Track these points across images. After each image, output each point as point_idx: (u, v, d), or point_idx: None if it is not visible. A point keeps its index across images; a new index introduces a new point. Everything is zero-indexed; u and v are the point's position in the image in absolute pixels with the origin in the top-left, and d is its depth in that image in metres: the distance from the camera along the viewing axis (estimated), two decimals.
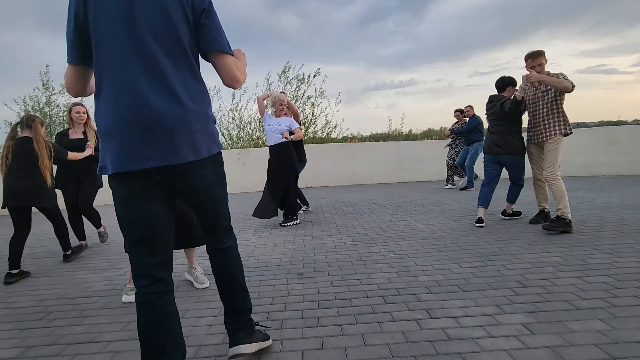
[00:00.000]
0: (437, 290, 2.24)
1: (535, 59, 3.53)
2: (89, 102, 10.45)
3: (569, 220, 3.34)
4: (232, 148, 9.77)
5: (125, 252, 1.59)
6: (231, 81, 1.32)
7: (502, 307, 1.96)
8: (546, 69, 3.57)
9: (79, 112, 3.66)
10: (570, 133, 3.50)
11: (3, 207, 3.08)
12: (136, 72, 1.16)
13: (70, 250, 3.45)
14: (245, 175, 8.35)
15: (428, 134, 15.03)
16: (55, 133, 3.91)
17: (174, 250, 1.43)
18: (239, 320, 1.52)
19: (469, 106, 6.90)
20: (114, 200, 1.28)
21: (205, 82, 1.35)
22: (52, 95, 10.45)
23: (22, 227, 3.08)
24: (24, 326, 2.05)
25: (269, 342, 1.66)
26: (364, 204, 5.68)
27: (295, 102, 10.28)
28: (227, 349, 1.68)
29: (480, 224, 3.76)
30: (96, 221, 3.91)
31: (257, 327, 1.64)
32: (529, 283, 2.27)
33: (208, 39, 1.25)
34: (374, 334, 1.75)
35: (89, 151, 3.54)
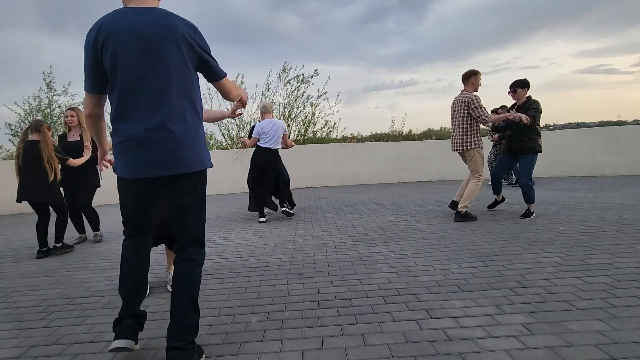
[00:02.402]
0: (437, 290, 2.25)
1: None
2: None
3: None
4: (231, 148, 9.78)
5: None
6: None
7: (502, 308, 1.96)
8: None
9: (67, 116, 4.02)
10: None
11: (18, 202, 3.58)
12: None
13: (61, 244, 3.74)
14: (245, 175, 8.35)
15: (428, 134, 15.05)
16: (58, 136, 4.23)
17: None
18: (180, 338, 1.50)
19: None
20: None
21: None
22: (54, 96, 10.46)
23: (42, 214, 3.66)
24: (26, 326, 2.06)
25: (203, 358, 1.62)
26: (364, 204, 5.68)
27: (295, 101, 10.29)
28: (228, 349, 1.69)
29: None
30: (95, 223, 4.21)
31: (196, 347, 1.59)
32: (528, 283, 2.27)
33: None
34: (374, 334, 1.76)
35: (87, 154, 3.83)
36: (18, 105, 10.31)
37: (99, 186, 4.21)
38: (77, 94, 10.79)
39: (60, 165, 3.64)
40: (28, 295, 2.56)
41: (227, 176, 8.29)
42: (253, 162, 4.76)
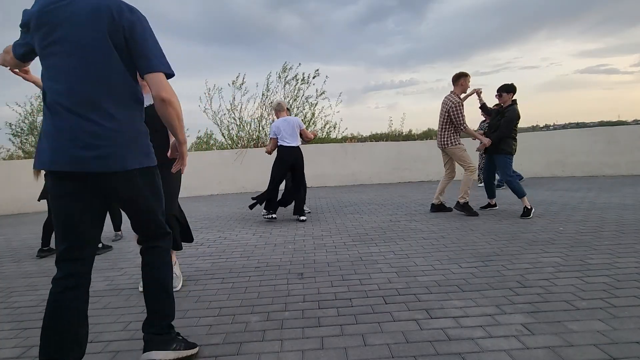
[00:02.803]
0: (437, 290, 2.25)
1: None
2: None
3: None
4: (232, 148, 9.78)
5: None
6: None
7: (502, 307, 1.96)
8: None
9: None
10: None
11: (39, 200, 3.73)
12: None
13: (101, 244, 3.63)
14: (245, 175, 8.36)
15: (428, 134, 15.02)
16: None
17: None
18: (156, 324, 1.52)
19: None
20: None
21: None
22: None
23: None
24: (25, 326, 2.06)
25: (194, 351, 1.61)
26: (364, 204, 5.68)
27: (294, 101, 10.28)
28: (228, 349, 1.69)
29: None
30: (117, 222, 4.22)
31: (179, 337, 1.60)
32: (528, 283, 2.27)
33: None
34: (374, 334, 1.76)
35: None
36: (19, 106, 10.33)
37: None
38: None
39: None
40: (28, 295, 2.56)
41: (227, 176, 8.29)
42: (279, 161, 4.63)
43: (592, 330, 1.69)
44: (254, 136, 10.08)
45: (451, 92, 4.48)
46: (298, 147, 4.64)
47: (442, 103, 4.51)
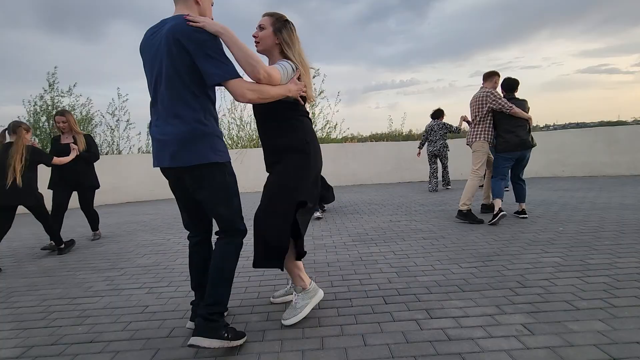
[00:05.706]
0: (437, 290, 2.25)
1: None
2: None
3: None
4: (232, 148, 9.79)
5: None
6: None
7: (502, 307, 1.96)
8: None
9: (58, 122, 3.96)
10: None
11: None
12: None
13: (64, 244, 3.70)
14: (245, 175, 8.35)
15: None
16: (52, 138, 4.20)
17: None
18: (207, 309, 1.61)
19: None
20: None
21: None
22: (56, 96, 10.47)
23: (2, 225, 3.45)
24: (26, 326, 2.06)
25: (241, 341, 1.69)
26: (364, 204, 5.68)
27: None
28: (228, 349, 1.69)
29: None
30: (95, 224, 4.32)
31: (228, 326, 1.68)
32: (528, 283, 2.27)
33: None
34: (374, 334, 1.76)
35: (72, 154, 3.82)
36: (30, 104, 10.42)
37: (98, 187, 4.23)
38: (82, 95, 10.90)
39: (54, 166, 3.76)
40: (28, 295, 2.56)
41: None
42: None
43: (592, 330, 1.69)
44: (254, 136, 10.08)
45: (482, 87, 4.25)
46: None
47: (476, 98, 4.17)
